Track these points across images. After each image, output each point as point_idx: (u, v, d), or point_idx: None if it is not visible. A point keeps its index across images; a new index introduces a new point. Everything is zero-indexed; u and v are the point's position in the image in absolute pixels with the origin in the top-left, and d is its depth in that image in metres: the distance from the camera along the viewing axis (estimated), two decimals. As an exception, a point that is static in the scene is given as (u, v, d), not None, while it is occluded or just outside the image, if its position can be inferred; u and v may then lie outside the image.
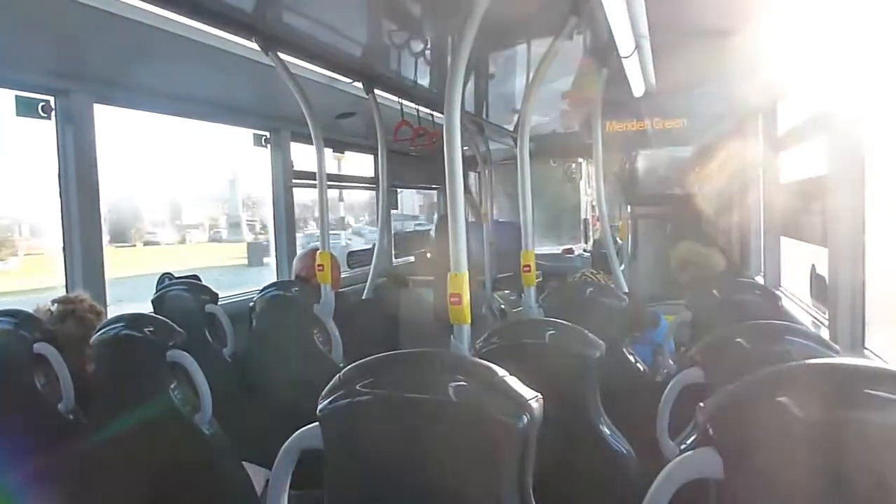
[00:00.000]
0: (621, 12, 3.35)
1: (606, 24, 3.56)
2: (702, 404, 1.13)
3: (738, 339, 2.01)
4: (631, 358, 2.86)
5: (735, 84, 5.11)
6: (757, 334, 2.04)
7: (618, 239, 6.14)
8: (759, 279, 5.11)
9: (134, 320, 2.37)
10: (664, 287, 5.88)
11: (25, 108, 3.17)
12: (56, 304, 2.77)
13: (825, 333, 2.85)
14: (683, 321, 3.02)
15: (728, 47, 3.79)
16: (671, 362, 2.93)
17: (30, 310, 2.65)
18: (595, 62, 4.35)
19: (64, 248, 3.40)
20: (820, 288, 3.34)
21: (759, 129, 5.30)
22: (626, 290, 4.07)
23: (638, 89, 5.26)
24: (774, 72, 4.21)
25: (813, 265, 3.71)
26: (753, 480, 1.07)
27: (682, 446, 1.84)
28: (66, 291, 3.29)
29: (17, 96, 3.15)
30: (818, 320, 3.45)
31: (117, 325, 2.36)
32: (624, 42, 3.88)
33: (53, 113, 3.29)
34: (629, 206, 6.70)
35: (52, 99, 3.27)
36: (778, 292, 3.34)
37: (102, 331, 2.37)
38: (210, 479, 2.30)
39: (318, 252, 3.76)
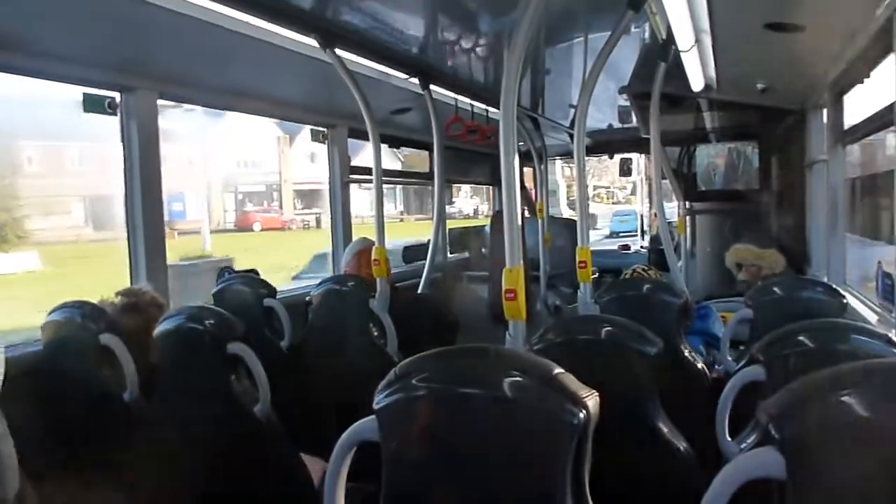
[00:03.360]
0: (682, 7, 3.29)
1: (665, 18, 3.51)
2: (763, 403, 1.11)
3: (801, 338, 1.97)
4: (688, 355, 2.82)
5: (798, 77, 5.00)
6: (820, 332, 1.99)
7: (675, 235, 6.04)
8: (824, 277, 4.99)
9: (195, 313, 2.42)
10: (722, 284, 5.78)
11: (93, 105, 3.24)
12: (120, 297, 2.84)
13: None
14: (744, 318, 2.97)
15: (792, 40, 3.70)
16: (730, 359, 2.88)
17: (95, 301, 2.73)
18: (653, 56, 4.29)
19: (129, 242, 3.46)
20: (886, 286, 3.25)
21: (823, 123, 5.16)
22: (685, 288, 4.00)
23: (697, 83, 5.17)
24: (840, 64, 4.10)
25: (879, 262, 3.61)
26: (817, 481, 1.04)
27: (742, 445, 1.80)
28: (130, 284, 3.37)
29: (84, 93, 3.22)
30: (885, 319, 3.36)
31: (179, 317, 2.42)
32: (683, 37, 3.81)
33: (119, 109, 3.36)
34: (687, 202, 6.59)
35: (117, 95, 3.35)
36: (843, 290, 3.25)
37: (165, 323, 2.43)
38: (268, 470, 2.34)
39: (374, 247, 3.78)
